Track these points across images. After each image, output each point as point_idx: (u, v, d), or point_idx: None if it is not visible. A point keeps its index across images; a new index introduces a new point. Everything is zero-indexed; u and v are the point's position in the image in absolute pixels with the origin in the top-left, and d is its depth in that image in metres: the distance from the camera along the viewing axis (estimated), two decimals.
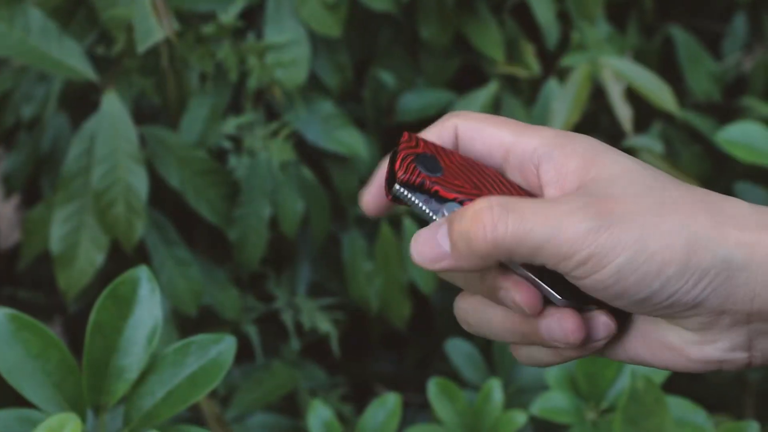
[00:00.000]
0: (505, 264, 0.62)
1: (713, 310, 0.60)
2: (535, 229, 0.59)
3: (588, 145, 0.64)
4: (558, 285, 0.63)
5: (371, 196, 0.66)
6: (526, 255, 0.60)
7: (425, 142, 0.65)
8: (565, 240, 0.59)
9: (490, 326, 0.65)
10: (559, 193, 0.63)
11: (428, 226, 0.62)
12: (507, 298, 0.63)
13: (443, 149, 0.65)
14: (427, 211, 0.63)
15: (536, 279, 0.62)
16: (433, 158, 0.64)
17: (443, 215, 0.63)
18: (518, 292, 0.62)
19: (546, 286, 0.62)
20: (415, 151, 0.64)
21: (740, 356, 0.62)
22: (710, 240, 0.59)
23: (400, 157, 0.64)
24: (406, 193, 0.63)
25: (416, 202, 0.64)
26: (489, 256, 0.60)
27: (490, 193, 0.63)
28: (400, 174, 0.63)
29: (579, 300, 0.62)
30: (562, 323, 0.62)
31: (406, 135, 0.65)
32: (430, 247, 0.62)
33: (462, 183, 0.64)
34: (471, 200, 0.63)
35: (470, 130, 0.66)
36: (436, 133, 0.66)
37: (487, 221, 0.60)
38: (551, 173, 0.64)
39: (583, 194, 0.62)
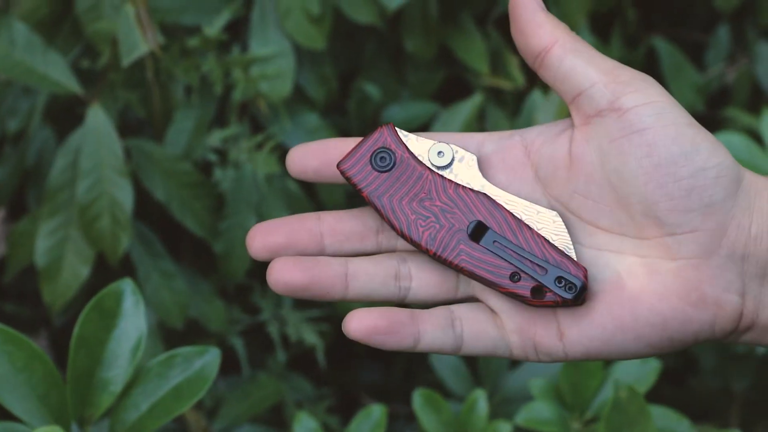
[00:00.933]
0: None
1: (719, 223, 0.61)
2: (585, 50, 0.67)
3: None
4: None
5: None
6: (582, 63, 0.66)
7: (397, 144, 0.67)
8: (627, 69, 0.65)
9: None
10: None
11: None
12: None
13: (412, 157, 0.67)
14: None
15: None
16: (391, 154, 0.67)
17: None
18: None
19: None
20: (376, 146, 0.67)
21: (734, 299, 0.63)
22: (728, 148, 0.64)
23: (362, 149, 0.67)
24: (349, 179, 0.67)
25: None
26: (561, 33, 0.67)
27: (404, 213, 0.67)
28: (343, 160, 0.68)
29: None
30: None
31: (385, 128, 0.68)
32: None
33: (402, 184, 0.66)
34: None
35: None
36: None
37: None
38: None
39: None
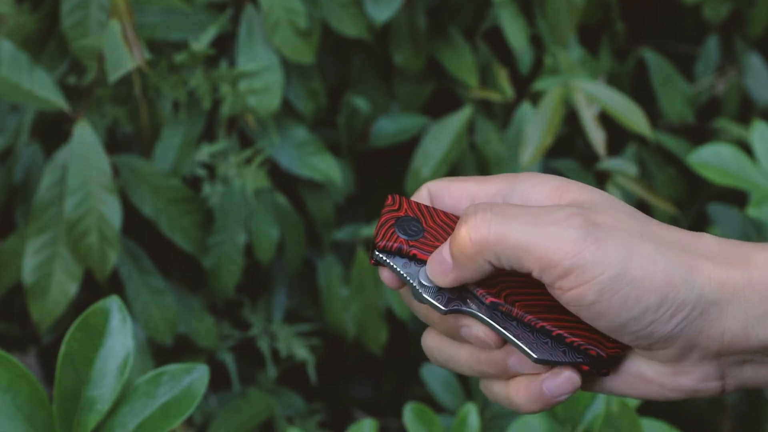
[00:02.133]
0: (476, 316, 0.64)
1: (685, 345, 0.61)
2: (517, 230, 0.61)
3: (549, 177, 0.66)
4: (529, 338, 0.64)
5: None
6: (511, 258, 0.61)
7: (409, 203, 0.67)
8: (550, 246, 0.60)
9: (456, 363, 0.66)
10: None
11: (440, 246, 0.64)
12: (470, 334, 0.64)
13: (428, 209, 0.67)
14: (405, 275, 0.65)
15: (507, 334, 0.64)
16: (416, 220, 0.66)
17: (420, 279, 0.65)
18: (480, 326, 0.63)
19: (515, 340, 0.64)
20: (396, 215, 0.66)
21: (713, 385, 0.63)
22: (687, 275, 0.61)
23: (380, 222, 0.66)
24: (385, 258, 0.65)
25: (395, 267, 0.66)
26: (476, 256, 0.62)
27: None
28: (377, 240, 0.65)
29: (552, 355, 0.64)
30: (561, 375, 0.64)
31: (389, 198, 0.67)
32: (439, 263, 0.64)
33: (442, 243, 0.65)
34: None
35: (439, 188, 0.68)
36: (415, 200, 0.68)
37: (471, 223, 0.62)
38: (519, 202, 0.65)
39: (568, 205, 0.63)
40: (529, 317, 0.64)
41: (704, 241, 0.63)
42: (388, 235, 0.66)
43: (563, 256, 0.60)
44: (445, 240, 0.65)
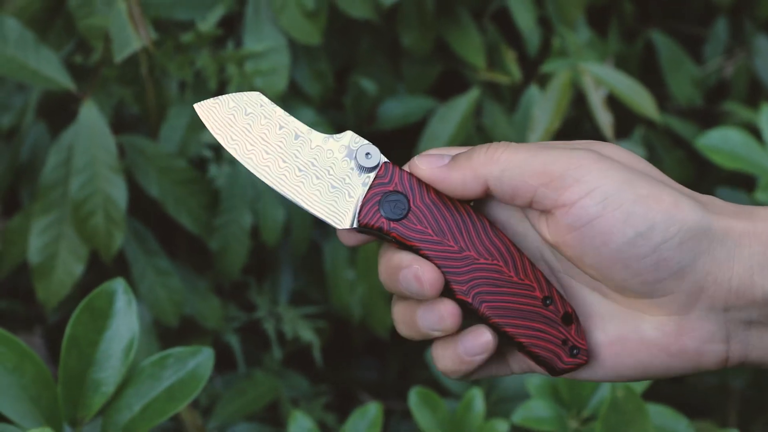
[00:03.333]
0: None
1: (694, 286, 0.60)
2: (524, 150, 0.63)
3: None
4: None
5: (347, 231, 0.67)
6: (515, 173, 0.62)
7: (401, 176, 0.66)
8: (554, 159, 0.61)
9: (407, 323, 0.66)
10: None
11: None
12: (409, 274, 0.64)
13: (420, 185, 0.66)
14: None
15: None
16: (403, 197, 0.65)
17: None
18: (422, 268, 0.64)
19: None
20: (385, 189, 0.65)
21: (718, 348, 0.62)
22: (696, 206, 0.61)
23: (368, 196, 0.65)
24: (366, 233, 0.65)
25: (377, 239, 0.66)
26: (480, 166, 0.63)
27: (454, 238, 0.64)
28: (361, 216, 0.64)
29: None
30: (436, 307, 0.63)
31: (382, 167, 0.66)
32: (434, 156, 0.65)
33: (424, 227, 0.65)
34: (429, 250, 0.64)
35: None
36: None
37: (488, 148, 0.63)
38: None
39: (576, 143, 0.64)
40: (495, 320, 0.64)
41: (711, 198, 0.63)
42: (372, 212, 0.65)
43: (567, 166, 0.61)
44: (429, 225, 0.65)
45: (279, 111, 0.68)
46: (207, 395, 1.29)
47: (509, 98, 1.42)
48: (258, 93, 0.68)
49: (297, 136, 0.67)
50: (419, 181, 0.66)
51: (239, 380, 1.32)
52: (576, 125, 1.48)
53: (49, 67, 1.12)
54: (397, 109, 1.39)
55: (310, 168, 0.67)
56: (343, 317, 1.36)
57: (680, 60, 1.52)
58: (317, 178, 0.66)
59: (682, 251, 0.60)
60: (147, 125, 1.24)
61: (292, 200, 0.66)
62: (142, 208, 1.24)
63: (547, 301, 0.65)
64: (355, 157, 0.66)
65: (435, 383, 1.21)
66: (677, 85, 1.52)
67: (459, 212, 0.65)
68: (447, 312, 0.64)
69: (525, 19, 1.38)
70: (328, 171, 0.67)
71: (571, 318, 0.64)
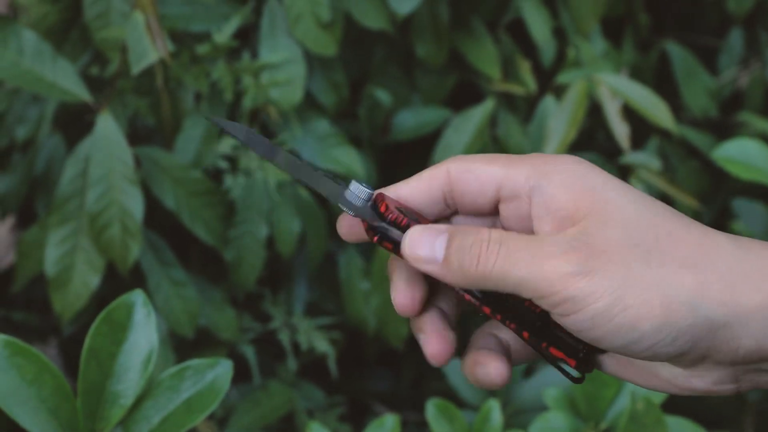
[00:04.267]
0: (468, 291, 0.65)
1: (695, 358, 0.61)
2: (519, 265, 0.61)
3: (576, 174, 0.64)
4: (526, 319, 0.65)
5: (348, 224, 0.67)
6: (511, 288, 0.62)
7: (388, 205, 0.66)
8: (544, 279, 0.61)
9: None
10: (550, 227, 0.64)
11: (427, 227, 0.63)
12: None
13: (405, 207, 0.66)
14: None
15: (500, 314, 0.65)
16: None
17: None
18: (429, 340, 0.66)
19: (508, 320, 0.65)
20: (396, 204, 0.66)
21: (727, 387, 0.62)
22: (693, 299, 0.60)
23: (384, 205, 0.65)
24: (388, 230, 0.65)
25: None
26: (477, 282, 0.62)
27: None
28: (387, 214, 0.65)
29: (545, 339, 0.64)
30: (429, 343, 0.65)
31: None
32: (427, 248, 0.63)
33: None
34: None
35: (462, 171, 0.66)
36: (428, 178, 0.66)
37: (481, 252, 0.62)
38: (541, 208, 0.64)
39: (572, 236, 0.62)
40: (514, 326, 0.65)
41: (721, 251, 0.61)
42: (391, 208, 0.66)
43: (557, 289, 0.61)
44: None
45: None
46: (222, 406, 1.29)
47: (524, 109, 1.42)
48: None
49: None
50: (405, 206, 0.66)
51: (254, 391, 1.31)
52: (590, 136, 1.47)
53: (65, 79, 1.13)
54: (411, 119, 1.39)
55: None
56: (358, 328, 1.36)
57: (695, 71, 1.52)
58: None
59: (675, 345, 0.60)
60: (162, 136, 1.24)
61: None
62: (158, 219, 1.24)
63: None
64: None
65: (450, 394, 1.21)
66: (692, 95, 1.51)
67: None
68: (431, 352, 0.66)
69: (540, 29, 1.38)
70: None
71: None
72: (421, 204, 0.66)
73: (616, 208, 0.63)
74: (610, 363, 0.66)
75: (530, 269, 0.61)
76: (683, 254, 0.61)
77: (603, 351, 0.65)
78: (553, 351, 0.65)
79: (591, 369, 0.65)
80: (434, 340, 0.66)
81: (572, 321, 0.61)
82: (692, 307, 0.60)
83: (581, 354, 0.65)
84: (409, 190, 0.66)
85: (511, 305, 0.65)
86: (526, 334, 0.65)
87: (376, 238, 0.65)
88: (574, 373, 0.65)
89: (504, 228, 0.66)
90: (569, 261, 0.61)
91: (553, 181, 0.64)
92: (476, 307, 0.65)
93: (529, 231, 0.65)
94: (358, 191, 0.65)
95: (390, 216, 0.65)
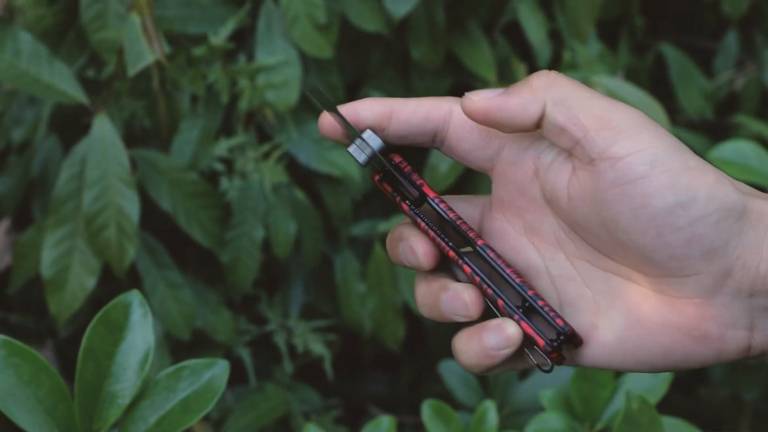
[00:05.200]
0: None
1: (723, 266, 0.60)
2: (588, 89, 0.62)
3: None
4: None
5: (329, 121, 0.69)
6: (572, 106, 0.61)
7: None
8: (614, 108, 0.60)
9: (428, 306, 0.66)
10: None
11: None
12: (406, 248, 0.65)
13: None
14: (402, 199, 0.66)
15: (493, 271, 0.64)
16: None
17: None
18: (418, 242, 0.64)
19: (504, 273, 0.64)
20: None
21: (741, 335, 0.61)
22: (734, 186, 0.60)
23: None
24: (394, 172, 0.66)
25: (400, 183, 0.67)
26: (542, 89, 0.62)
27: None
28: (398, 160, 0.66)
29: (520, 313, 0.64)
30: (460, 294, 0.64)
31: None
32: (488, 90, 0.64)
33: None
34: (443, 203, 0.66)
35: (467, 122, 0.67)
36: (429, 105, 0.67)
37: (548, 73, 0.63)
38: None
39: None
40: (510, 270, 0.64)
41: (745, 185, 0.63)
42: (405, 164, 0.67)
43: (624, 117, 0.60)
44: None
45: None
46: (218, 408, 1.29)
47: None
48: None
49: None
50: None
51: (250, 393, 1.32)
52: None
53: (62, 81, 1.13)
54: None
55: None
56: (354, 330, 1.36)
57: (690, 73, 1.52)
58: None
59: (717, 230, 0.59)
60: (158, 139, 1.24)
61: None
62: (154, 221, 1.24)
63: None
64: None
65: (447, 396, 1.21)
66: (687, 97, 1.52)
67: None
68: (471, 299, 0.64)
69: (536, 32, 1.38)
70: None
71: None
72: (411, 127, 0.66)
73: None
74: (596, 353, 0.64)
75: (598, 97, 0.61)
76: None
77: (580, 342, 0.64)
78: (525, 326, 0.64)
79: (563, 361, 0.64)
80: (422, 240, 0.65)
81: (628, 162, 0.60)
82: (736, 192, 0.60)
83: (556, 343, 0.64)
84: (407, 115, 0.66)
85: (497, 280, 0.65)
86: (500, 303, 0.64)
87: (377, 177, 0.67)
88: (543, 361, 0.64)
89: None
90: (634, 110, 0.61)
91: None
92: (457, 265, 0.65)
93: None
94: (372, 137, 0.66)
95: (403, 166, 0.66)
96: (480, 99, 0.64)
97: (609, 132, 0.60)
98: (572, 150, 0.62)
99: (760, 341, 0.62)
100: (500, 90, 0.64)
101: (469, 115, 0.64)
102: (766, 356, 0.63)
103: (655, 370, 0.64)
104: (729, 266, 0.60)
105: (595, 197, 0.61)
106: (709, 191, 0.59)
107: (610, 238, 0.63)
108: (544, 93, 0.62)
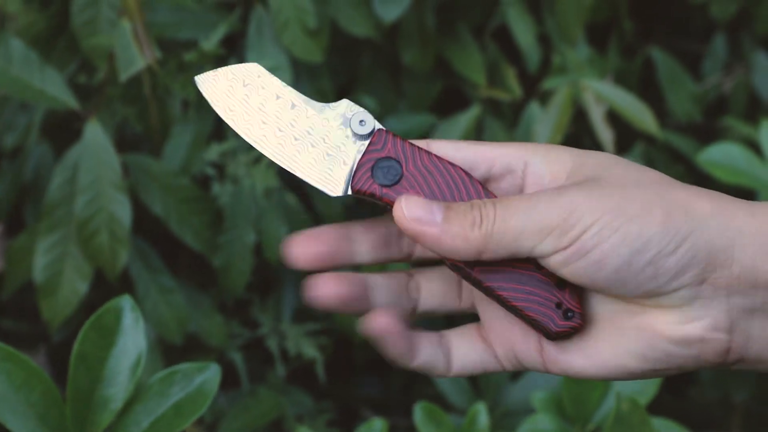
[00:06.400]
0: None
1: (695, 277, 0.60)
2: (516, 215, 0.62)
3: (570, 152, 0.66)
4: None
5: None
6: (510, 243, 0.62)
7: (394, 141, 0.66)
8: (548, 212, 0.61)
9: None
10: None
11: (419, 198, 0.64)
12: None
13: (413, 149, 0.66)
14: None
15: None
16: (395, 163, 0.66)
17: None
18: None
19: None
20: (378, 155, 0.66)
21: (721, 337, 0.62)
22: (688, 206, 0.61)
23: (361, 162, 0.65)
24: (361, 199, 0.66)
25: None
26: (478, 246, 0.62)
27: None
28: (354, 182, 0.65)
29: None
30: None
31: (376, 135, 0.66)
32: (424, 210, 0.63)
33: (417, 192, 0.65)
34: None
35: (450, 149, 0.67)
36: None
37: (481, 213, 0.63)
38: (535, 181, 0.65)
39: (565, 182, 0.63)
40: (488, 284, 0.64)
41: (716, 194, 0.63)
42: (364, 178, 0.66)
43: (560, 217, 0.61)
44: (421, 189, 0.65)
45: (276, 81, 0.69)
46: (211, 412, 1.30)
47: (510, 115, 1.43)
48: (256, 64, 0.69)
49: (293, 106, 0.68)
50: (412, 146, 0.66)
51: (243, 397, 1.32)
52: (576, 141, 1.48)
53: (53, 87, 1.13)
54: (398, 126, 1.40)
55: (306, 137, 0.67)
56: (346, 334, 1.36)
57: (679, 76, 1.53)
58: (313, 146, 0.67)
59: (678, 254, 0.60)
60: (150, 144, 1.24)
61: (288, 169, 0.67)
62: (146, 226, 1.25)
63: (540, 266, 0.65)
64: (350, 125, 0.67)
65: (439, 398, 1.21)
66: (676, 100, 1.52)
67: (452, 177, 0.66)
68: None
69: (525, 36, 1.39)
70: (324, 139, 0.67)
71: (564, 282, 0.65)
72: None
73: (616, 167, 0.64)
74: (573, 359, 0.65)
75: (529, 212, 0.61)
76: (671, 181, 0.63)
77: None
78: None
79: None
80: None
81: (578, 247, 0.60)
82: (689, 214, 0.61)
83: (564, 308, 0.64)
84: None
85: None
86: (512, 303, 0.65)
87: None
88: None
89: None
90: (569, 191, 0.61)
91: (548, 156, 0.66)
92: (464, 272, 0.65)
93: None
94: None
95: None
96: (413, 218, 0.64)
97: (553, 235, 0.61)
98: (531, 254, 0.63)
99: (739, 344, 0.62)
100: (441, 208, 0.64)
101: (399, 226, 0.64)
102: (743, 362, 0.63)
103: (632, 376, 0.64)
104: (703, 276, 0.61)
105: (557, 272, 0.63)
106: (659, 228, 0.60)
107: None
108: (477, 244, 0.63)
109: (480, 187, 0.65)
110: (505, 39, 1.44)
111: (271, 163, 1.27)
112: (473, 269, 0.64)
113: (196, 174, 1.25)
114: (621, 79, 1.49)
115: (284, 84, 0.68)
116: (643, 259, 0.60)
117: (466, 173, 0.66)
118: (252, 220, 1.26)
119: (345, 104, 0.68)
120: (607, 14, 1.49)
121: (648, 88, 1.55)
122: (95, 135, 1.14)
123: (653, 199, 0.61)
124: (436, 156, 0.66)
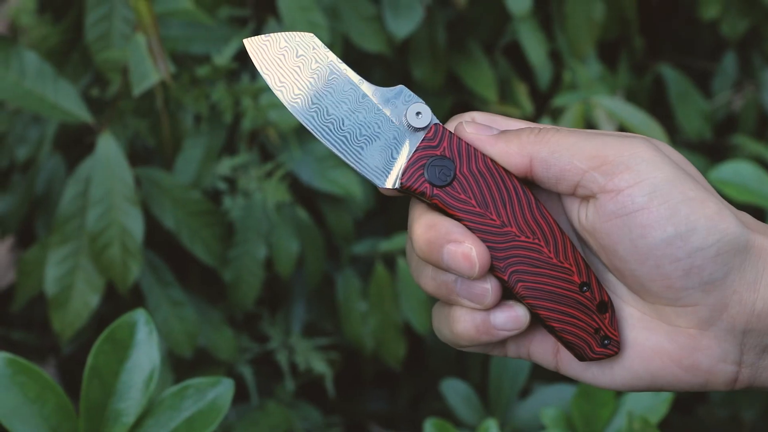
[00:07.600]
0: None
1: (720, 300, 0.60)
2: (575, 133, 0.61)
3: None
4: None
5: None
6: (564, 155, 0.61)
7: (450, 140, 0.64)
8: (607, 143, 0.60)
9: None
10: None
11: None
12: (458, 250, 0.62)
13: (468, 150, 0.64)
14: None
15: None
16: (450, 163, 0.64)
17: None
18: (475, 247, 0.62)
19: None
20: (432, 153, 0.64)
21: (729, 369, 0.61)
22: (737, 218, 0.60)
23: (414, 158, 0.64)
24: (406, 194, 0.64)
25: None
26: (529, 144, 0.62)
27: (497, 212, 0.63)
28: (404, 178, 0.63)
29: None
30: (477, 283, 0.62)
31: (432, 129, 0.64)
32: (484, 127, 0.63)
33: (468, 197, 0.63)
34: (469, 221, 0.63)
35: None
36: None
37: (533, 126, 0.63)
38: None
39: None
40: (529, 300, 0.63)
41: (745, 214, 0.62)
42: (416, 176, 0.64)
43: (620, 151, 0.60)
44: (474, 196, 0.63)
45: (331, 56, 0.65)
46: (220, 426, 1.30)
47: None
48: (311, 35, 0.65)
49: (347, 84, 0.65)
50: (468, 147, 0.63)
51: (252, 411, 1.32)
52: None
53: (67, 100, 1.13)
54: None
55: (356, 121, 0.64)
56: (355, 348, 1.36)
57: (689, 94, 1.53)
58: (362, 132, 0.64)
59: (716, 262, 0.59)
60: (162, 157, 1.25)
61: (334, 151, 0.63)
62: (157, 239, 1.25)
63: (584, 288, 0.63)
64: (405, 114, 0.64)
65: (447, 414, 1.21)
66: (686, 118, 1.53)
67: (505, 185, 0.63)
68: (493, 287, 0.63)
69: (536, 53, 1.39)
70: (376, 126, 0.64)
71: (606, 307, 0.63)
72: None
73: (662, 145, 0.64)
74: (585, 368, 0.65)
75: (590, 136, 0.61)
76: (721, 198, 0.62)
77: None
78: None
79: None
80: (480, 247, 0.63)
81: (627, 195, 0.59)
82: (738, 224, 0.60)
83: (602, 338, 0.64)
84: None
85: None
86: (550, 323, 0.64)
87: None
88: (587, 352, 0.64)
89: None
90: (633, 135, 0.61)
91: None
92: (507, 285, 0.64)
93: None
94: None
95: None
96: (471, 132, 0.64)
97: (607, 167, 0.60)
98: (575, 192, 0.62)
99: (747, 375, 0.62)
100: (493, 130, 0.63)
101: (458, 134, 0.65)
102: (752, 388, 0.63)
103: (637, 390, 0.64)
104: (726, 300, 0.60)
105: (595, 228, 0.61)
106: (708, 222, 0.59)
107: (609, 265, 0.63)
108: (531, 148, 0.62)
109: (533, 199, 0.64)
110: (516, 55, 1.44)
111: (283, 177, 1.27)
112: (517, 284, 0.63)
113: (208, 188, 1.25)
114: (631, 96, 1.49)
115: (339, 60, 0.65)
116: (684, 248, 0.59)
117: (521, 184, 0.64)
118: (263, 234, 1.26)
119: (402, 91, 0.65)
120: (618, 32, 1.49)
121: (658, 106, 1.55)
122: (108, 148, 1.15)
123: (709, 191, 0.60)
124: (491, 160, 0.63)
